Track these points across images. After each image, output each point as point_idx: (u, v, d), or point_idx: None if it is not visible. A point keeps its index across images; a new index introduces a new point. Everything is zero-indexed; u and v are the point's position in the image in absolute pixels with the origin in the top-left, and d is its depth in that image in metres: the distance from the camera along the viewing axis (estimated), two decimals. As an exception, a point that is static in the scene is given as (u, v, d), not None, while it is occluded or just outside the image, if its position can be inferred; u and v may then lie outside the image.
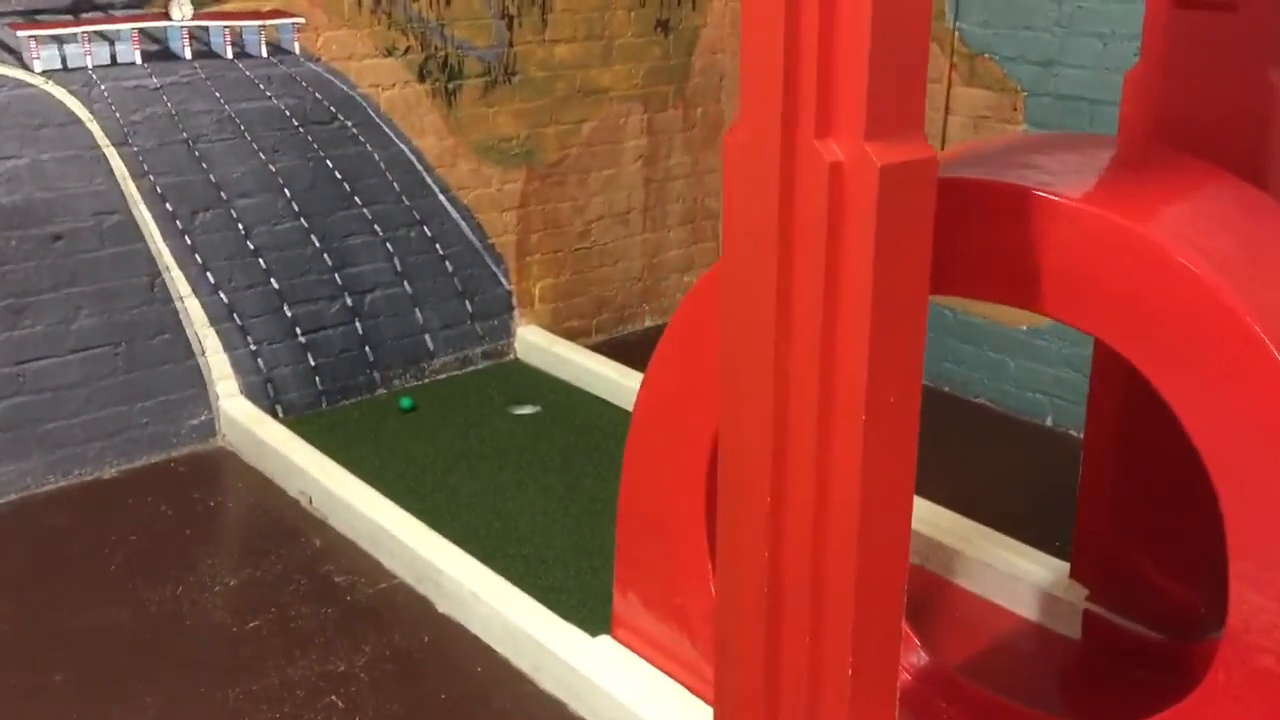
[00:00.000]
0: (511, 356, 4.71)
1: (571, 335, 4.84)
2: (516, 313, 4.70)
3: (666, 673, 2.67)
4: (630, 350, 4.80)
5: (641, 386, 2.60)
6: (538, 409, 4.30)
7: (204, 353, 3.93)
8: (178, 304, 3.85)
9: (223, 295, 3.93)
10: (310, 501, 3.57)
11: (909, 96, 1.78)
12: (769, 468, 1.94)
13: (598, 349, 4.81)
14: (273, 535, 3.43)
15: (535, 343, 4.70)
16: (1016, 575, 3.06)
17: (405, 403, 4.23)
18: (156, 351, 3.84)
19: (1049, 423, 4.17)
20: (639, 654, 2.73)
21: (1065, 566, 3.02)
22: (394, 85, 4.15)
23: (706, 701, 2.55)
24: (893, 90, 1.74)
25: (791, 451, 1.92)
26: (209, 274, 3.89)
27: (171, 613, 3.08)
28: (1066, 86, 3.87)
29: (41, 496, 3.65)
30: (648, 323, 5.13)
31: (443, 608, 3.07)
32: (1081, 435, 4.04)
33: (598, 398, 4.38)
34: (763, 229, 1.85)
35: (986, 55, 4.08)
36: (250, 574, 3.23)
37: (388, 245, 4.27)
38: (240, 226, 3.92)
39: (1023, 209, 2.00)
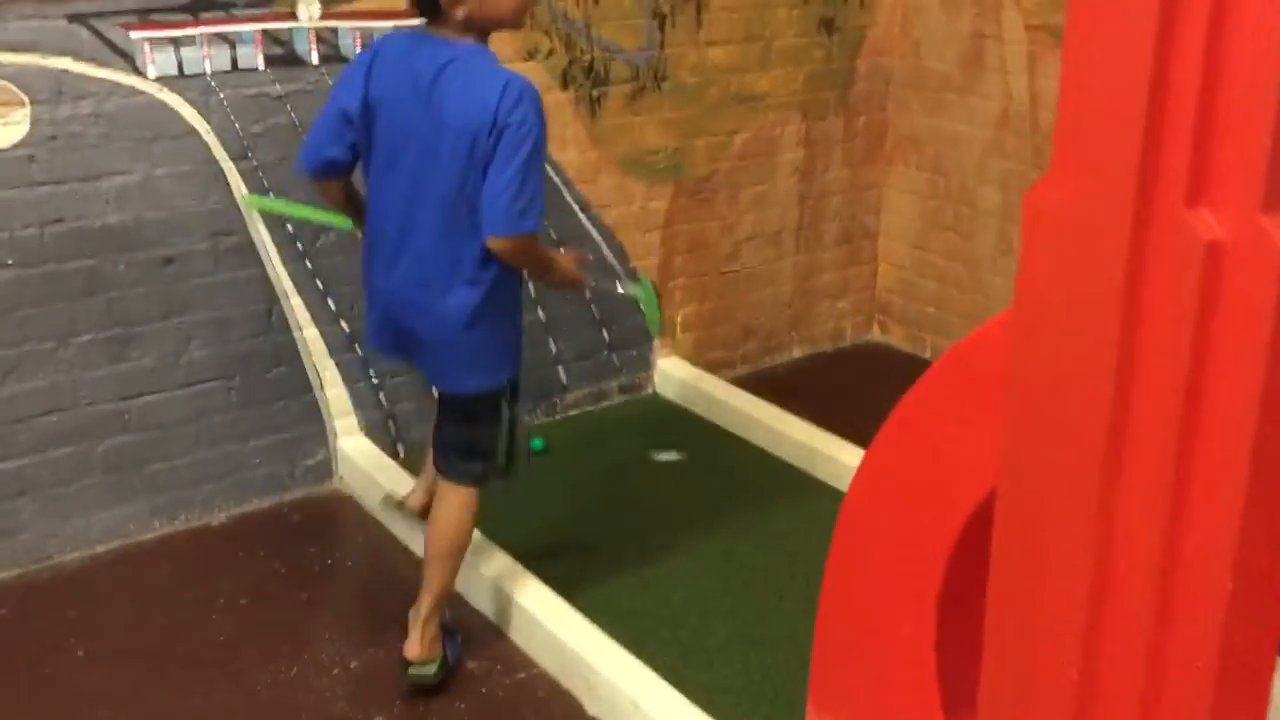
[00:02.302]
0: (650, 390, 4.28)
1: (714, 367, 4.40)
2: (657, 343, 4.26)
3: (873, 819, 2.20)
4: (779, 385, 4.35)
5: (861, 468, 2.13)
6: (682, 456, 3.86)
7: (322, 386, 3.57)
8: (295, 334, 3.48)
9: (344, 324, 3.56)
10: (438, 564, 3.18)
11: (1322, 151, 1.29)
12: (1078, 639, 1.46)
13: (742, 381, 4.36)
14: (399, 606, 3.01)
15: (676, 376, 4.26)
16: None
17: (536, 444, 3.82)
18: (272, 386, 3.48)
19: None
20: (838, 791, 2.27)
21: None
22: (535, 92, 3.73)
23: None
24: (1303, 143, 1.25)
25: (1111, 619, 1.44)
26: (330, 300, 3.52)
27: (286, 700, 2.70)
28: None
29: (147, 545, 3.32)
30: (796, 353, 4.66)
31: (593, 709, 2.65)
32: None
33: (747, 442, 3.93)
34: (1091, 318, 1.38)
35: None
36: (373, 655, 2.84)
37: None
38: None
39: None
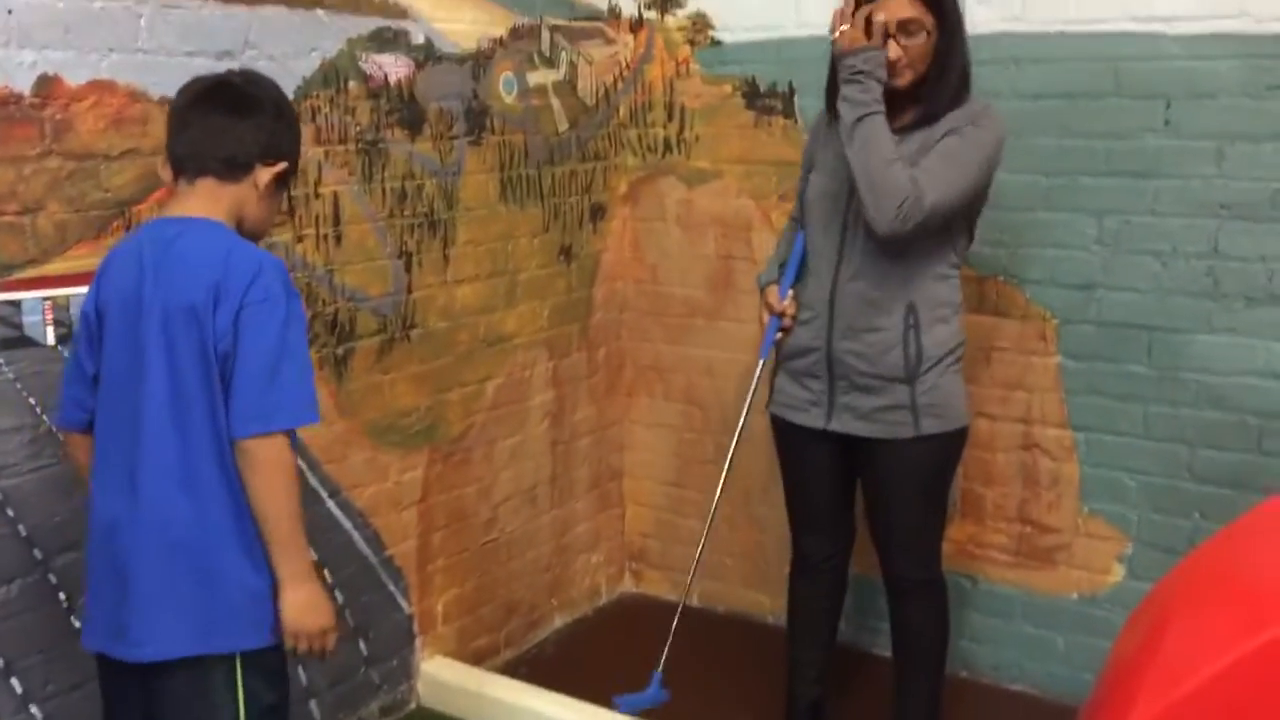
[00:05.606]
0: (413, 705, 3.44)
1: (479, 657, 3.65)
2: (418, 643, 3.45)
3: None
4: (549, 669, 3.68)
5: None
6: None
7: (0, 808, 2.43)
8: (-39, 741, 2.36)
9: (35, 710, 2.47)
10: None
11: None
12: None
13: (511, 670, 3.66)
14: None
15: (444, 681, 3.46)
16: None
17: None
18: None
19: (1111, 706, 3.45)
20: None
21: None
22: (271, 358, 2.91)
23: None
24: None
25: None
26: (14, 681, 2.43)
27: None
28: (1114, 312, 3.31)
29: None
30: (557, 623, 4.01)
31: None
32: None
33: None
34: None
35: (999, 278, 3.46)
36: None
37: (263, 584, 2.95)
38: (61, 595, 2.51)
39: None
